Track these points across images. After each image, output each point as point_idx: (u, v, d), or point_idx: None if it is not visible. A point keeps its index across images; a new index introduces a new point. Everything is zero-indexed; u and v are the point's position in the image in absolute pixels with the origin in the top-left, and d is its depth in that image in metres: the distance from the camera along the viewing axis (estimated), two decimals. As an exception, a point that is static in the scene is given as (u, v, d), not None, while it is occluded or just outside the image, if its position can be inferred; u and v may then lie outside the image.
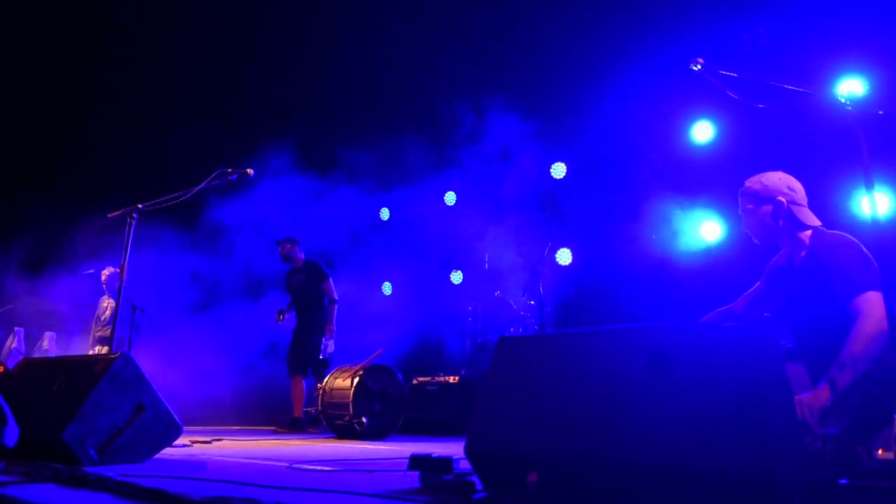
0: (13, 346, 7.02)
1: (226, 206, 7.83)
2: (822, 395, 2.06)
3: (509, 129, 7.56)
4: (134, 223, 3.99)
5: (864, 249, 2.31)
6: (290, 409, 6.25)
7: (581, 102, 6.70)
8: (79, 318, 7.51)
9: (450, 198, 8.24)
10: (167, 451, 3.14)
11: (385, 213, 8.84)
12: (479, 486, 1.90)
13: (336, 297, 6.23)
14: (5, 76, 7.42)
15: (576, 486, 1.66)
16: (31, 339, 7.15)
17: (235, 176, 4.24)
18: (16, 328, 7.16)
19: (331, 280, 6.27)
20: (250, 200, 7.83)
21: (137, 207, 4.01)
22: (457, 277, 7.96)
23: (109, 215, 4.07)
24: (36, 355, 6.83)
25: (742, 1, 5.54)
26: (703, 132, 5.89)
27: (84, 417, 2.64)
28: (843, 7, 4.87)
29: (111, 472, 2.24)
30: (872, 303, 2.15)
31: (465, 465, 1.94)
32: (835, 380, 2.05)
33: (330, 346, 6.03)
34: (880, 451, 1.98)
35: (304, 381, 6.10)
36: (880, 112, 2.14)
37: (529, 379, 1.90)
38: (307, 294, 6.24)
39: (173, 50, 7.83)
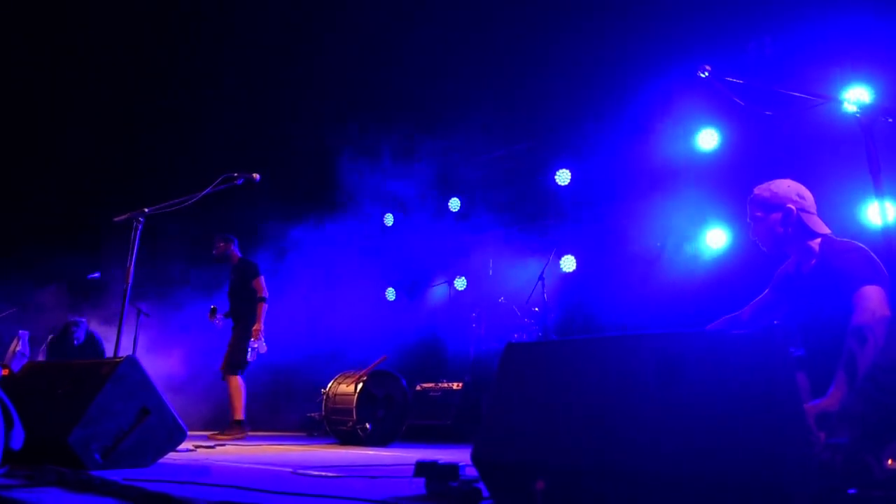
0: (18, 349, 7.03)
1: (229, 210, 7.85)
2: (832, 399, 2.05)
3: (514, 135, 7.58)
4: (140, 227, 3.99)
5: (872, 255, 2.30)
6: (293, 412, 6.23)
7: (586, 109, 6.71)
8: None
9: (454, 204, 8.25)
10: (171, 456, 3.14)
11: (389, 220, 8.84)
12: (485, 494, 1.89)
13: (265, 296, 5.88)
14: (12, 79, 7.46)
15: (583, 495, 1.65)
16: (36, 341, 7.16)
17: (241, 181, 4.25)
18: (20, 332, 7.17)
19: (262, 278, 5.94)
20: (251, 204, 7.84)
21: (143, 211, 4.02)
22: (461, 284, 7.96)
23: (115, 219, 4.07)
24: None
25: (748, 10, 5.55)
26: (708, 140, 5.89)
27: (89, 421, 2.64)
28: (849, 16, 4.87)
29: (116, 476, 2.24)
30: (869, 293, 2.16)
31: (471, 472, 1.93)
32: (861, 354, 2.05)
33: (261, 346, 5.68)
34: (890, 462, 1.96)
35: (241, 381, 5.77)
36: (889, 120, 2.13)
37: (536, 386, 1.89)
38: (238, 294, 5.99)
39: (181, 52, 7.87)
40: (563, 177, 7.18)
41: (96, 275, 6.98)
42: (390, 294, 8.48)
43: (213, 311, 5.86)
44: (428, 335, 7.29)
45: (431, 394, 6.36)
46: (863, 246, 2.35)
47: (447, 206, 8.26)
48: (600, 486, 1.62)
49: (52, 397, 2.88)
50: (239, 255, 6.17)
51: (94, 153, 8.06)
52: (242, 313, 5.92)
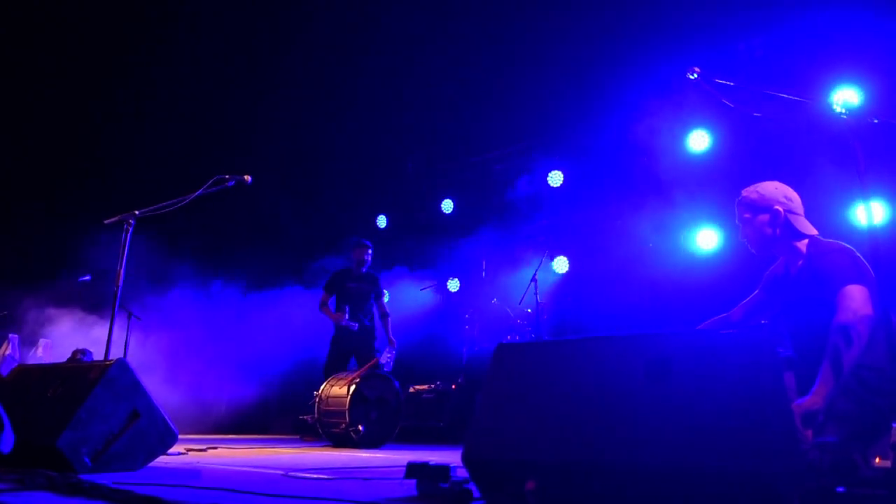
0: (7, 352, 6.97)
1: (219, 213, 7.83)
2: (817, 397, 2.07)
3: (506, 136, 7.60)
4: (131, 230, 3.97)
5: (858, 254, 2.33)
6: (285, 415, 6.23)
7: (578, 111, 6.73)
8: (75, 325, 7.47)
9: (447, 206, 8.25)
10: (162, 459, 3.12)
11: (382, 221, 8.84)
12: (476, 494, 1.89)
13: (388, 312, 6.17)
14: (2, 82, 7.42)
15: (574, 494, 1.66)
16: (26, 346, 7.12)
17: (233, 182, 4.23)
18: (10, 335, 7.12)
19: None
20: (240, 207, 7.82)
21: (134, 214, 4.00)
22: (454, 285, 7.96)
23: (106, 221, 4.05)
24: (30, 362, 6.79)
25: (738, 12, 5.59)
26: (699, 141, 5.92)
27: (79, 424, 2.62)
28: (839, 18, 4.92)
29: (106, 479, 2.22)
30: (852, 292, 2.19)
31: (462, 473, 1.93)
32: (843, 353, 2.07)
33: (390, 358, 5.92)
34: (877, 460, 1.98)
35: None
36: (875, 121, 2.15)
37: (527, 386, 1.90)
38: (367, 305, 6.07)
39: (172, 53, 7.85)
40: (556, 178, 7.20)
41: (87, 277, 6.93)
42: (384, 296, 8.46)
43: (342, 314, 5.85)
44: (421, 337, 7.29)
45: (424, 395, 6.36)
46: (848, 246, 2.37)
47: (440, 207, 8.26)
48: (591, 484, 1.62)
49: (42, 401, 2.85)
50: (366, 268, 6.18)
51: (85, 154, 8.02)
52: (371, 324, 6.05)
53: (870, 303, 2.14)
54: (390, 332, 6.01)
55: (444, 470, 1.96)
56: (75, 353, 6.68)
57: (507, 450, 1.81)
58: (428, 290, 7.63)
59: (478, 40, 7.25)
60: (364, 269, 6.08)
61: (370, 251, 6.10)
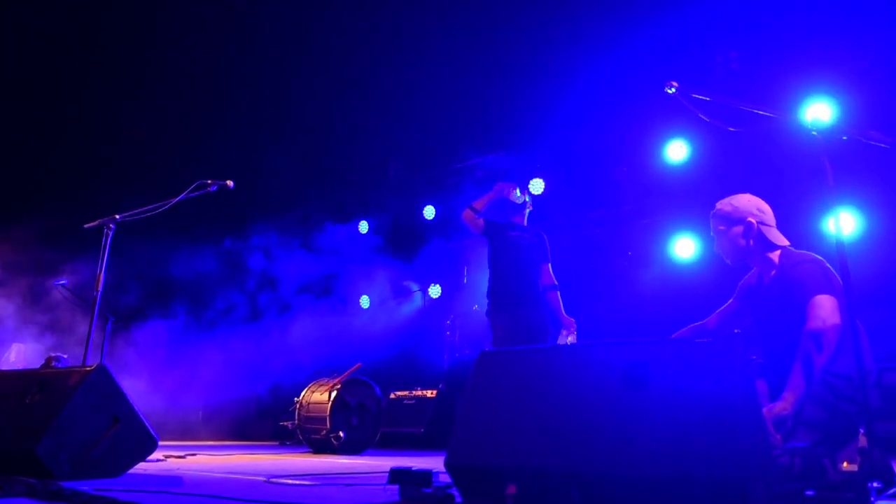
0: (-19, 358, 6.84)
1: (202, 220, 7.78)
2: (786, 402, 2.14)
3: (488, 144, 7.66)
4: (111, 234, 3.94)
5: (828, 265, 2.41)
6: (265, 421, 6.19)
7: (560, 119, 6.82)
8: (50, 330, 7.36)
9: (429, 212, 8.28)
10: (141, 466, 3.10)
11: (364, 227, 8.84)
12: (458, 499, 1.92)
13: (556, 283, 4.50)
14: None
15: (553, 498, 1.69)
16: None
17: (215, 187, 4.21)
18: (-16, 340, 6.99)
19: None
20: (226, 212, 7.77)
21: (115, 218, 3.97)
22: (435, 291, 7.98)
23: (86, 226, 4.01)
24: (3, 368, 6.67)
25: (715, 24, 5.72)
26: (677, 151, 6.02)
27: (58, 430, 2.60)
28: (813, 32, 5.06)
29: (86, 486, 2.21)
30: (821, 302, 2.27)
31: (444, 478, 1.96)
32: (811, 360, 2.14)
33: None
34: (845, 464, 2.05)
35: None
36: (844, 138, 2.23)
37: (508, 393, 1.94)
38: (534, 268, 4.43)
39: (152, 57, 7.79)
40: (537, 186, 7.26)
41: (63, 282, 6.83)
42: (364, 302, 8.46)
43: (509, 187, 4.54)
44: (402, 343, 7.30)
45: (405, 402, 6.36)
46: (818, 257, 2.46)
47: (422, 213, 8.29)
48: (570, 489, 1.66)
49: (20, 407, 2.82)
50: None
51: (65, 158, 7.92)
52: (537, 294, 4.43)
53: (838, 312, 2.22)
54: (563, 309, 4.41)
55: (426, 475, 1.99)
56: (49, 358, 6.57)
57: (488, 455, 1.84)
58: (414, 293, 7.65)
59: (461, 47, 7.30)
60: (527, 219, 4.57)
61: (530, 196, 4.63)
